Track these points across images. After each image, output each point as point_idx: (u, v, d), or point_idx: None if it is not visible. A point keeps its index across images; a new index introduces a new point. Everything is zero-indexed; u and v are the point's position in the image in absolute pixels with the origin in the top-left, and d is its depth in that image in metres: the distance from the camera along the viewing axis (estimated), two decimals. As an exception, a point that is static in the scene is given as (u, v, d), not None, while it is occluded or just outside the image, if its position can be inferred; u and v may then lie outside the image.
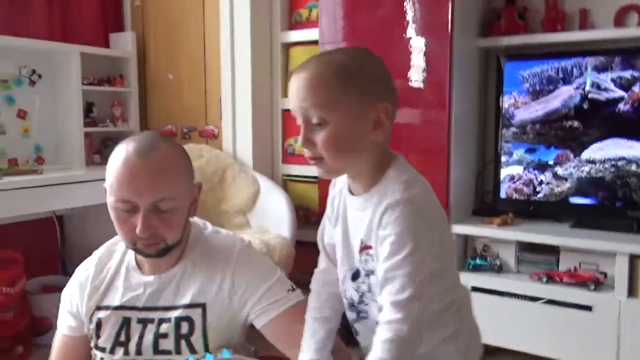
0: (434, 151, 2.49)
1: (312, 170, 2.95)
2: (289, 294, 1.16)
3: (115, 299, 1.19)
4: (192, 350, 1.12)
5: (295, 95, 0.90)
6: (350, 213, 0.98)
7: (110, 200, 1.10)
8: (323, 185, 2.75)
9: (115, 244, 1.27)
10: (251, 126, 3.06)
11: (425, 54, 2.49)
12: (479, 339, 1.07)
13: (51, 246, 3.20)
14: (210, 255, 1.19)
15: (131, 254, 1.23)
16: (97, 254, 1.27)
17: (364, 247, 0.94)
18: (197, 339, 1.12)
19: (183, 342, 1.13)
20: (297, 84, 0.90)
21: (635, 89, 2.32)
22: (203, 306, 1.14)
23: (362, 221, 0.94)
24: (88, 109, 3.27)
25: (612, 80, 2.37)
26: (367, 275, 0.95)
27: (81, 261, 1.28)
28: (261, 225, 2.77)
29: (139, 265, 1.21)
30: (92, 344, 1.20)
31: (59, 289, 1.32)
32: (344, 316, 1.07)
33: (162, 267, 1.18)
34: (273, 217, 2.78)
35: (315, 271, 1.09)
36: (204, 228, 1.27)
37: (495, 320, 2.41)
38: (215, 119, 3.25)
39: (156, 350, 1.13)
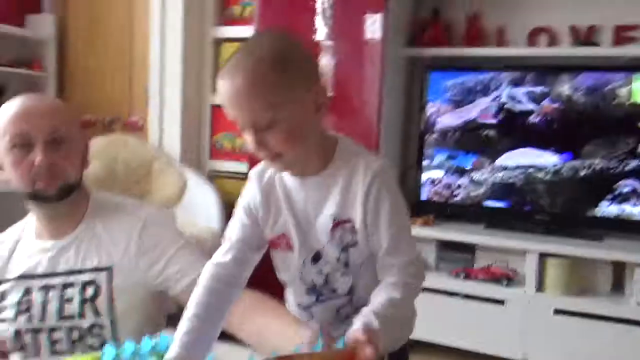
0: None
1: (241, 167, 2.97)
2: (200, 257, 1.13)
3: (15, 270, 1.17)
4: (97, 314, 1.11)
5: (235, 103, 0.85)
6: (303, 197, 0.96)
7: (3, 144, 1.10)
8: (252, 182, 2.76)
9: (15, 226, 1.26)
10: (180, 120, 3.02)
11: (357, 61, 2.59)
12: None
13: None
14: (115, 217, 1.19)
15: (29, 225, 1.22)
16: None
17: (338, 223, 0.94)
18: (101, 302, 1.11)
19: (87, 306, 1.12)
20: (232, 91, 0.84)
21: (545, 103, 2.55)
22: (109, 269, 1.13)
23: (327, 200, 0.94)
24: (0, 92, 3.07)
25: (525, 94, 2.60)
26: (344, 250, 0.95)
27: None
28: (189, 220, 2.73)
29: (37, 234, 1.20)
30: None
31: None
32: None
33: (61, 231, 1.17)
34: (201, 210, 2.75)
35: (209, 262, 0.98)
36: (110, 196, 1.27)
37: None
38: (141, 110, 3.17)
39: (60, 315, 1.12)
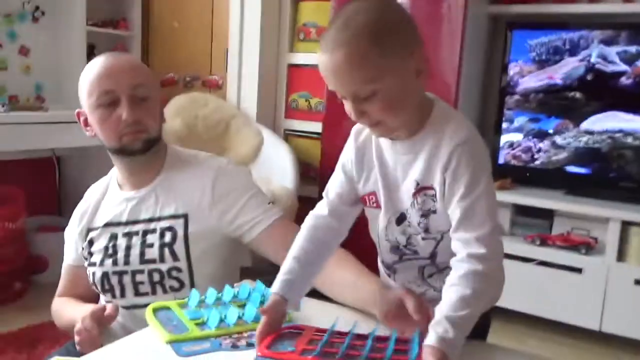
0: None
1: (315, 126, 2.99)
2: (271, 207, 1.21)
3: (102, 219, 1.26)
4: (175, 258, 1.18)
5: (335, 77, 0.87)
6: (393, 159, 0.98)
7: (90, 102, 1.17)
8: (326, 142, 2.79)
9: (101, 180, 1.35)
10: (257, 79, 3.07)
11: (438, 18, 2.52)
12: None
13: (49, 186, 3.19)
14: (190, 168, 1.25)
15: (113, 177, 1.30)
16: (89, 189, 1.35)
17: (421, 189, 0.94)
18: (179, 247, 1.18)
19: (166, 250, 1.18)
20: (332, 65, 0.86)
21: (639, 63, 2.39)
22: (185, 216, 1.20)
23: (413, 163, 0.95)
24: (90, 51, 3.22)
25: (617, 53, 2.44)
26: (424, 216, 0.96)
27: (77, 203, 1.34)
28: (264, 177, 2.81)
29: (120, 185, 1.28)
30: (86, 264, 1.27)
31: (55, 228, 1.38)
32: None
33: (141, 182, 1.24)
34: (276, 169, 2.81)
35: (311, 213, 1.03)
36: (184, 150, 1.33)
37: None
38: (220, 69, 3.25)
39: (142, 259, 1.19)
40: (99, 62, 1.18)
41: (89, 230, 1.27)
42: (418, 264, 1.01)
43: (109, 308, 1.05)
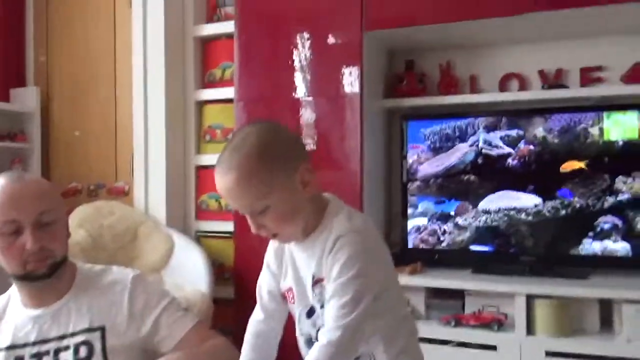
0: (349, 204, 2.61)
1: (226, 226, 2.99)
2: (186, 314, 1.23)
3: (5, 341, 1.19)
4: None
5: (231, 196, 0.98)
6: (298, 257, 1.07)
7: None
8: (238, 240, 2.78)
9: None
10: (165, 182, 3.05)
11: (337, 114, 2.67)
12: (422, 355, 1.18)
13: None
14: (103, 282, 1.23)
15: (15, 295, 1.24)
16: None
17: (317, 281, 1.04)
18: None
19: None
20: (226, 186, 0.97)
21: (521, 145, 2.61)
22: (102, 329, 1.16)
23: (310, 259, 1.04)
24: (-15, 165, 3.10)
25: (501, 138, 2.66)
26: (322, 307, 1.03)
27: None
28: (176, 283, 2.73)
29: (23, 304, 1.22)
30: None
31: None
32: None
33: (50, 299, 1.20)
34: (189, 273, 2.75)
35: (251, 319, 1.14)
36: (92, 265, 1.32)
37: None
38: (126, 175, 3.20)
39: None
40: (1, 189, 1.15)
41: None
42: None
43: None
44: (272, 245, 1.12)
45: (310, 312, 1.08)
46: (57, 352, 1.15)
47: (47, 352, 1.15)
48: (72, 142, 3.34)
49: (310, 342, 1.08)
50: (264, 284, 1.14)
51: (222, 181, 0.98)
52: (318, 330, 1.04)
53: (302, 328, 1.10)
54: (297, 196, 1.01)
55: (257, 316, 1.15)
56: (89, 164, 3.30)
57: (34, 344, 1.17)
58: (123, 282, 1.23)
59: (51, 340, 1.16)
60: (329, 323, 0.96)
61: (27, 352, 1.16)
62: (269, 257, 1.13)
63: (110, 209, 2.94)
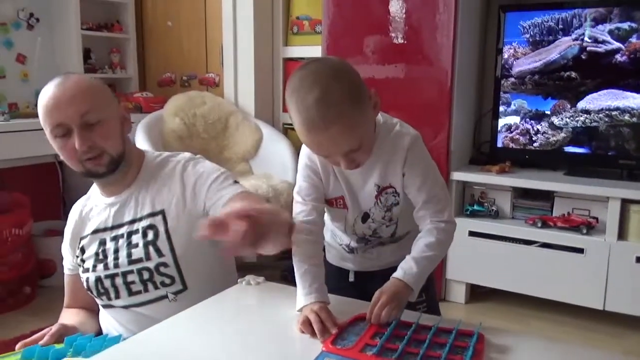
0: (437, 101, 2.54)
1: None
2: (236, 185, 1.26)
3: (90, 227, 1.31)
4: (160, 254, 1.22)
5: (331, 146, 1.00)
6: (349, 172, 1.12)
7: (47, 133, 1.20)
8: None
9: (84, 196, 1.39)
10: (253, 74, 3.08)
11: (430, 4, 2.52)
12: None
13: (53, 191, 3.22)
14: (161, 170, 1.30)
15: (94, 186, 1.34)
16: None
17: (383, 189, 1.14)
18: (162, 243, 1.23)
19: (150, 248, 1.23)
20: (329, 140, 0.98)
21: (633, 40, 2.38)
22: (162, 212, 1.25)
23: (370, 173, 1.13)
24: (86, 55, 3.25)
25: (610, 31, 2.43)
26: (388, 210, 1.17)
27: None
28: (264, 172, 2.83)
29: (101, 193, 1.32)
30: (80, 271, 1.32)
31: (61, 232, 1.42)
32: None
33: (120, 189, 1.29)
34: (276, 163, 2.83)
35: (300, 221, 1.14)
36: (158, 155, 1.37)
37: (492, 263, 2.53)
38: (216, 66, 3.26)
39: (130, 260, 1.24)
40: (47, 94, 1.19)
41: (80, 239, 1.32)
42: (379, 242, 1.25)
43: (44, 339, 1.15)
44: (318, 157, 1.13)
45: (365, 217, 1.19)
46: (129, 234, 1.25)
47: (122, 235, 1.26)
48: (165, 33, 3.41)
49: (363, 239, 1.24)
50: (309, 191, 1.15)
51: (324, 136, 0.98)
52: (374, 230, 1.21)
53: (357, 230, 1.21)
54: (373, 122, 1.08)
55: (308, 216, 1.14)
56: (182, 55, 3.37)
57: (112, 228, 1.27)
58: (177, 168, 1.29)
59: (124, 224, 1.26)
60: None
61: (108, 235, 1.28)
62: (313, 162, 1.15)
63: (202, 99, 3.03)
